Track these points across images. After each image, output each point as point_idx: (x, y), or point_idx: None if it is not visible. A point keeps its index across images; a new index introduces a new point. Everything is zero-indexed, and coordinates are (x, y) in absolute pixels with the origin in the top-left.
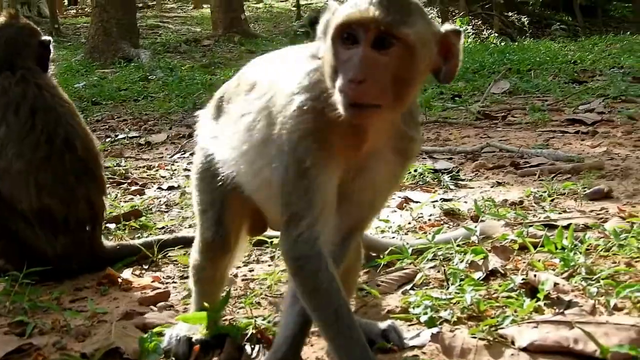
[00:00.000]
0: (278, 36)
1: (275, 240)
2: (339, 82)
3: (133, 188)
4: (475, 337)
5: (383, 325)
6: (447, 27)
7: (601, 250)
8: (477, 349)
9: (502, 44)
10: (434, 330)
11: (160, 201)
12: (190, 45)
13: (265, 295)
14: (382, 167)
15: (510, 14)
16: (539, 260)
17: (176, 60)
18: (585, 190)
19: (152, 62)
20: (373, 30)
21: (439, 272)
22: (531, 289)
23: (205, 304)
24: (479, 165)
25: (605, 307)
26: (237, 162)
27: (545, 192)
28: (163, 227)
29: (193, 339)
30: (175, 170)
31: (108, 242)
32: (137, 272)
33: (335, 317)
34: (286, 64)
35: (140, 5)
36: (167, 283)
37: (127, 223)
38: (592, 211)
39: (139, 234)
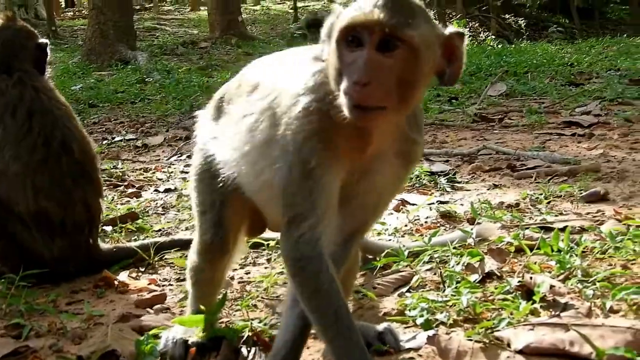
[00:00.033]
0: (275, 38)
1: (272, 243)
2: (343, 84)
3: (130, 190)
4: (471, 340)
5: (379, 327)
6: (450, 29)
7: (597, 253)
8: (473, 352)
9: (499, 46)
10: (430, 332)
11: (156, 204)
12: (188, 48)
13: (262, 297)
14: (386, 169)
15: (507, 16)
16: (535, 263)
17: (173, 63)
18: (581, 193)
19: (149, 65)
20: (377, 33)
21: (435, 274)
22: (527, 292)
23: (202, 307)
24: (475, 167)
25: (601, 310)
26: (238, 163)
27: (541, 194)
28: (160, 230)
29: (189, 342)
30: (172, 172)
31: (104, 245)
32: (134, 275)
33: (335, 319)
34: (290, 66)
35: (138, 7)
36: (163, 285)
37: (123, 225)
38: (588, 213)
39: (136, 237)
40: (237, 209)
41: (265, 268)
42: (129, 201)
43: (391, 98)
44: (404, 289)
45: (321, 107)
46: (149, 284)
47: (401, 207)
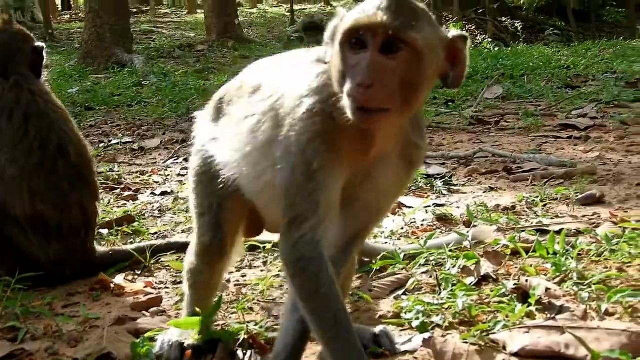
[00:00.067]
0: (272, 41)
1: (268, 246)
2: (347, 86)
3: (126, 193)
4: (467, 342)
5: (375, 330)
6: (453, 32)
7: (593, 256)
8: (469, 354)
9: (496, 49)
10: (426, 335)
11: (153, 206)
12: (184, 51)
13: (258, 300)
14: (388, 173)
15: (503, 19)
16: (531, 266)
17: (170, 66)
18: (577, 196)
19: (145, 68)
20: (381, 35)
21: (431, 277)
22: (523, 294)
23: (198, 309)
24: (471, 170)
25: (597, 312)
26: (239, 164)
27: (537, 197)
28: (156, 233)
29: (185, 344)
30: (168, 175)
31: (101, 248)
32: (130, 278)
33: (334, 321)
34: (292, 68)
35: (134, 10)
36: (159, 288)
37: (119, 228)
38: (584, 216)
39: (132, 240)
40: (236, 210)
41: (262, 271)
42: (125, 204)
43: (394, 100)
44: (400, 292)
45: (325, 109)
46: (145, 287)
47: (397, 209)
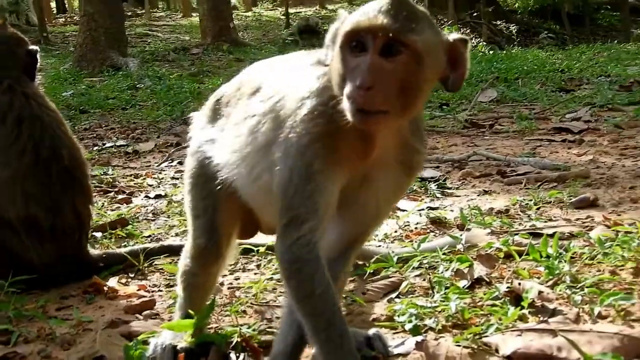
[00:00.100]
0: (267, 45)
1: (262, 249)
2: (347, 88)
3: (120, 196)
4: (459, 345)
5: (368, 333)
6: (454, 35)
7: (586, 259)
8: (462, 357)
9: (490, 52)
10: (419, 338)
11: (147, 210)
12: (179, 54)
13: (251, 303)
14: (388, 176)
15: (498, 22)
16: (524, 269)
17: (164, 69)
18: (571, 199)
19: (140, 71)
20: (381, 38)
21: (424, 280)
22: (516, 297)
23: (191, 311)
24: (465, 173)
25: (590, 315)
26: (237, 165)
27: (531, 200)
28: (149, 236)
29: (178, 347)
30: (162, 178)
31: (94, 251)
32: (123, 281)
33: (328, 324)
34: (293, 69)
35: (129, 13)
36: (153, 291)
37: (113, 232)
38: (577, 219)
39: (125, 243)
40: (231, 212)
41: (255, 274)
42: (119, 207)
43: (394, 103)
44: (393, 295)
45: (326, 111)
46: (138, 290)
47: (391, 212)
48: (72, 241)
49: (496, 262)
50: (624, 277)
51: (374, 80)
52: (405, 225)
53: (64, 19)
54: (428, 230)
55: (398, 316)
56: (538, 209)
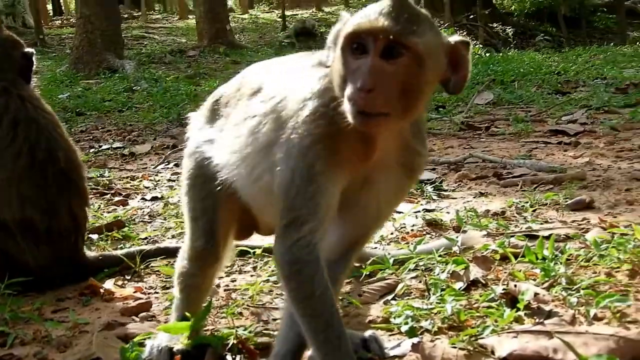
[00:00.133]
0: (264, 47)
1: (258, 251)
2: (348, 90)
3: (116, 199)
4: (455, 347)
5: (364, 335)
6: (455, 38)
7: (582, 261)
8: (457, 359)
9: (487, 54)
10: (415, 340)
11: (143, 212)
12: (175, 56)
13: (247, 305)
14: (389, 179)
15: (494, 25)
16: (520, 271)
17: (161, 71)
18: (567, 201)
19: (136, 73)
20: (382, 40)
21: (420, 282)
22: (512, 299)
23: (187, 314)
24: (462, 175)
25: (585, 317)
26: (237, 166)
27: (527, 202)
28: (146, 238)
29: (174, 349)
30: (158, 180)
31: (90, 253)
32: (120, 283)
33: (326, 325)
34: (295, 70)
35: (126, 16)
36: (149, 293)
37: (109, 234)
38: (573, 221)
39: (122, 245)
40: (230, 214)
41: (251, 276)
42: (115, 209)
43: (395, 105)
44: (390, 297)
45: (327, 112)
46: (134, 292)
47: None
48: (68, 243)
49: (492, 264)
50: (619, 279)
51: (374, 82)
52: (402, 228)
53: (60, 21)
54: (424, 232)
55: (394, 318)
56: (534, 211)
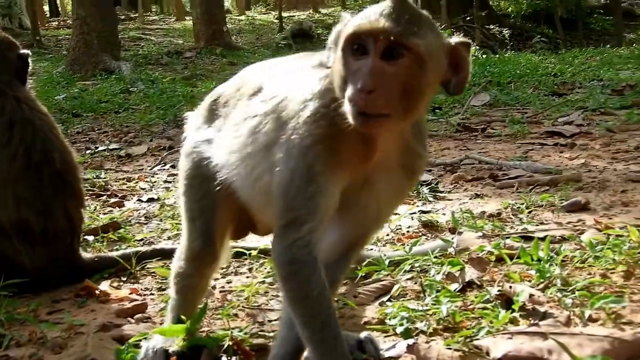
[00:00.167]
0: (260, 48)
1: (254, 252)
2: (348, 91)
3: (112, 200)
4: (450, 348)
5: (360, 336)
6: (456, 39)
7: (577, 262)
8: None
9: (484, 56)
10: (410, 341)
11: (139, 213)
12: (172, 58)
13: (243, 307)
14: (389, 180)
15: (491, 26)
16: (515, 272)
17: (158, 73)
18: (562, 202)
19: (133, 74)
20: (382, 41)
21: (415, 283)
22: (507, 300)
23: (183, 317)
24: (458, 177)
25: (580, 318)
26: (237, 166)
27: (522, 204)
28: (142, 239)
29: (169, 351)
30: (155, 182)
31: (86, 254)
32: (115, 284)
33: (323, 326)
34: (295, 71)
35: (122, 17)
36: (145, 295)
37: (105, 235)
38: (569, 223)
39: (117, 246)
40: (227, 214)
41: (247, 277)
42: (111, 211)
43: (395, 106)
44: (385, 298)
45: (328, 113)
46: (130, 294)
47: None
48: (63, 245)
49: (487, 266)
50: (614, 280)
51: (375, 83)
52: (397, 229)
53: (57, 23)
54: (420, 234)
55: (389, 319)
56: (530, 212)
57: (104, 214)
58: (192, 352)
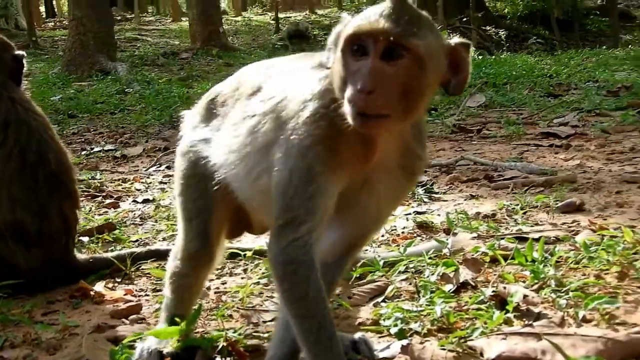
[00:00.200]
0: (257, 49)
1: (249, 253)
2: (348, 92)
3: (108, 201)
4: (444, 349)
5: (354, 337)
6: (456, 40)
7: (571, 263)
8: None
9: (480, 57)
10: (404, 342)
11: (134, 214)
12: (168, 58)
13: (238, 308)
14: (388, 181)
15: (488, 27)
16: (510, 273)
17: (154, 74)
18: (557, 203)
19: (129, 75)
20: (382, 42)
21: (410, 284)
22: (501, 301)
23: (179, 314)
24: (453, 178)
25: (574, 319)
26: (236, 166)
27: (517, 205)
28: (137, 240)
29: (164, 352)
30: (150, 183)
31: (81, 255)
32: (110, 285)
33: (318, 326)
34: (295, 71)
35: (119, 17)
36: (139, 296)
37: (100, 236)
38: (563, 224)
39: (112, 247)
40: (224, 213)
41: (242, 278)
42: (106, 212)
43: (395, 106)
44: (379, 299)
45: (327, 114)
46: (125, 295)
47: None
48: (58, 246)
49: (482, 266)
50: (608, 281)
51: (375, 84)
52: (392, 230)
53: (53, 23)
54: (415, 235)
55: (384, 320)
56: (524, 213)
57: (99, 215)
58: (187, 353)
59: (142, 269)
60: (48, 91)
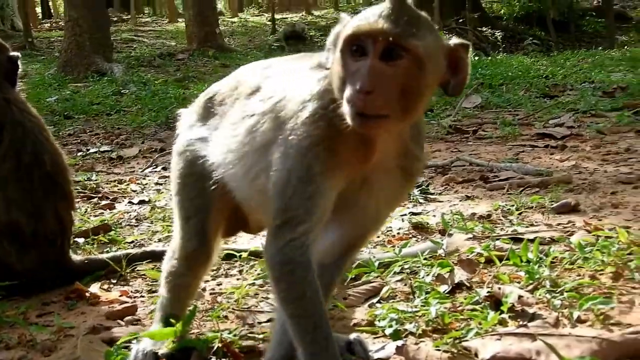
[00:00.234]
0: (253, 50)
1: (244, 254)
2: (347, 92)
3: (103, 202)
4: (439, 350)
5: (349, 338)
6: (455, 40)
7: (566, 263)
8: None
9: (476, 58)
10: (399, 342)
11: (130, 215)
12: (165, 59)
13: (233, 309)
14: (387, 182)
15: (484, 28)
16: (505, 273)
17: (150, 75)
18: (552, 204)
19: (125, 76)
20: (381, 42)
21: (405, 285)
22: (496, 302)
23: (174, 314)
24: (448, 179)
25: (569, 320)
26: (234, 165)
27: (513, 205)
28: (132, 242)
29: (159, 353)
30: (146, 184)
31: (76, 257)
32: (106, 287)
33: (314, 326)
34: (294, 71)
35: (115, 19)
36: (135, 297)
37: (96, 237)
38: (559, 224)
39: (108, 249)
40: (222, 213)
41: (237, 279)
42: (102, 213)
43: (394, 107)
44: (374, 300)
45: (326, 114)
46: (120, 296)
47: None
48: (54, 247)
49: (477, 267)
50: (603, 282)
51: (374, 84)
52: (388, 231)
53: (49, 24)
54: (410, 236)
55: (379, 321)
56: (520, 214)
57: (95, 216)
58: (182, 354)
59: (138, 270)
60: (44, 92)
